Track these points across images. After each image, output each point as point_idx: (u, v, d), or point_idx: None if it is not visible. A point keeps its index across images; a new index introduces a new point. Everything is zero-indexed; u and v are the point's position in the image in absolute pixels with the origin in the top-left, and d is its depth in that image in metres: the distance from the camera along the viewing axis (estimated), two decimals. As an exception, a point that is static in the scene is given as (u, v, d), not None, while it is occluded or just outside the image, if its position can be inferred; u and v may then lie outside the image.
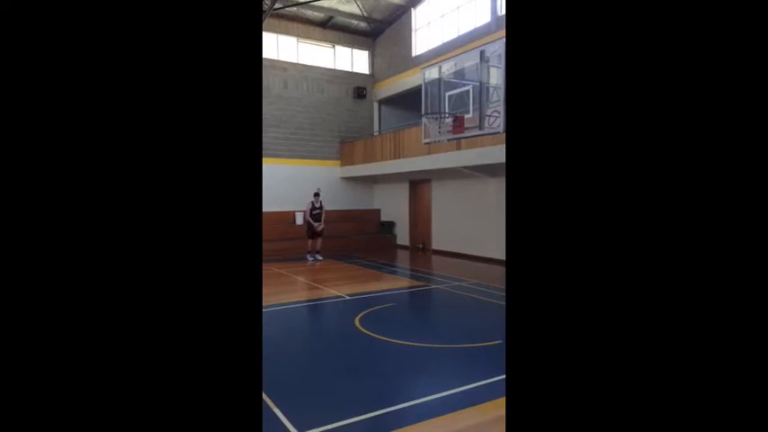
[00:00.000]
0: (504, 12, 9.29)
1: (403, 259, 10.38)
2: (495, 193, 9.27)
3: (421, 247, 11.47)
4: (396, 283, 7.40)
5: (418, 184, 11.62)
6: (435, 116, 7.46)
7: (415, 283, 7.49)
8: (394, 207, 12.53)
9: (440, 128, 7.37)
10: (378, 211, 13.06)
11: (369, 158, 11.83)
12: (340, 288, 6.86)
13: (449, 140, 7.60)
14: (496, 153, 7.87)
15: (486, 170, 9.14)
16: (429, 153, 9.75)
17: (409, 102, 12.62)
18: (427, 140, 8.13)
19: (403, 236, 12.18)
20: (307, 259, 9.81)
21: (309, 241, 9.90)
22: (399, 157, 10.79)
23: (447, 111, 7.28)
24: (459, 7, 10.49)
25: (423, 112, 7.86)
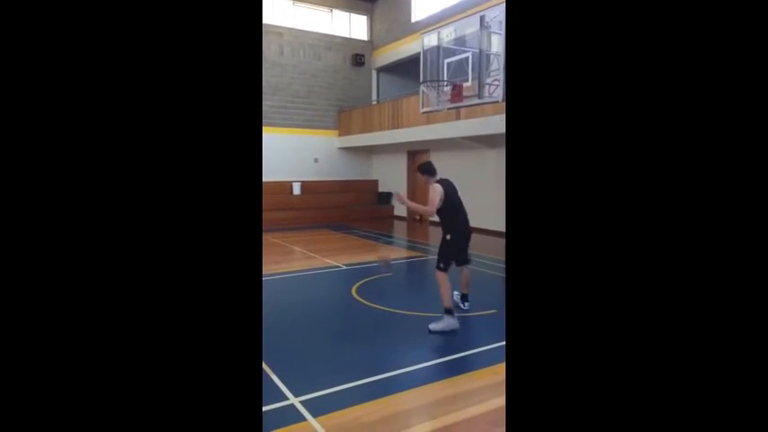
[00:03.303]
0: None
1: (400, 230, 10.39)
2: (494, 164, 9.20)
3: (418, 218, 11.46)
4: (393, 254, 7.42)
5: (416, 154, 11.51)
6: (434, 84, 7.31)
7: (413, 253, 7.52)
8: (392, 178, 12.45)
9: (438, 96, 7.23)
10: (376, 182, 13.00)
11: (367, 128, 11.67)
12: (337, 258, 6.88)
13: (447, 109, 7.46)
14: (496, 123, 7.74)
15: (485, 141, 9.04)
16: (428, 123, 9.61)
17: (408, 70, 12.35)
18: (426, 110, 8.00)
19: (401, 207, 12.14)
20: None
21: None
22: (397, 127, 10.64)
23: (446, 79, 7.13)
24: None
25: (421, 80, 7.70)
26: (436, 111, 7.65)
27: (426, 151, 11.01)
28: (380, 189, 12.79)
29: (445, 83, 7.12)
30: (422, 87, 7.75)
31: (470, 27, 7.01)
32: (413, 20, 11.31)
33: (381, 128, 11.13)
